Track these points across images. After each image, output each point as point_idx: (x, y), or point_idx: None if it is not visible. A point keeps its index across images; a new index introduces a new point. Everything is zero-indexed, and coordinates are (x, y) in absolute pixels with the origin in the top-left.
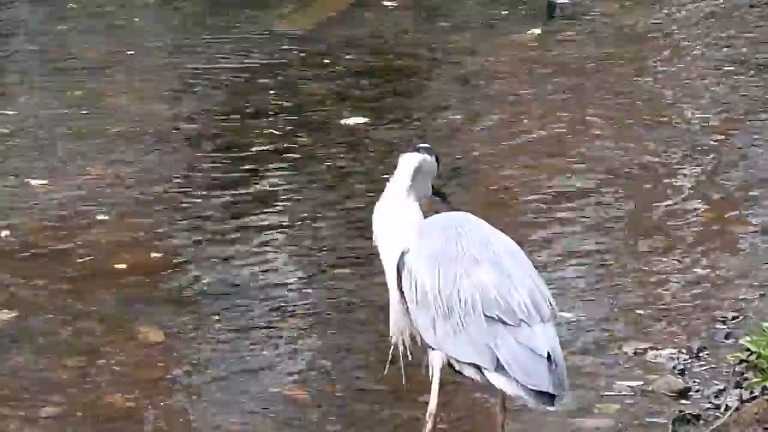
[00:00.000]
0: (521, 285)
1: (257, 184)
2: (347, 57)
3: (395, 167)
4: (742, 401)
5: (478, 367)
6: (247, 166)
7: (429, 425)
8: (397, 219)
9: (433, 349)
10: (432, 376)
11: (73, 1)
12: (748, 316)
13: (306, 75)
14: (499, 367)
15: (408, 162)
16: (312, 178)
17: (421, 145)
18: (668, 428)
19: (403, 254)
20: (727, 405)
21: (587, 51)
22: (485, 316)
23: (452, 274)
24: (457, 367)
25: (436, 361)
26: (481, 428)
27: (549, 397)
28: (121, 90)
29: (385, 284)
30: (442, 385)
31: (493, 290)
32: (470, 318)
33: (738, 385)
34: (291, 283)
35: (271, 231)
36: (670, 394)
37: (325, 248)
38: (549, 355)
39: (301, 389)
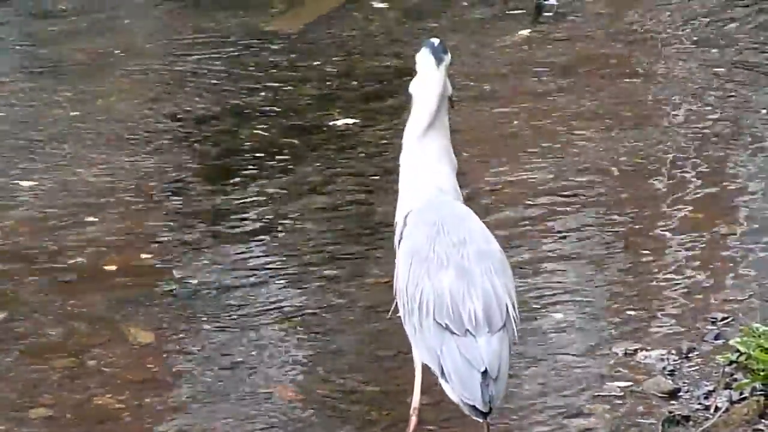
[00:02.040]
0: (479, 292)
1: (247, 185)
2: (336, 58)
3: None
4: (731, 402)
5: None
6: (236, 168)
7: (413, 420)
8: (410, 186)
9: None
10: (415, 369)
11: (62, 1)
12: (738, 317)
13: (295, 76)
14: (443, 375)
15: (436, 82)
16: (302, 180)
17: (438, 42)
18: (658, 429)
19: (399, 239)
20: (716, 406)
21: (576, 51)
22: (436, 322)
23: (418, 275)
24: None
25: (416, 355)
26: (469, 429)
27: (480, 412)
28: (110, 91)
29: (374, 286)
30: (426, 382)
31: (448, 297)
32: (425, 322)
33: (727, 386)
34: (280, 284)
35: (261, 232)
36: (660, 395)
37: (314, 249)
38: (486, 371)
39: (290, 390)
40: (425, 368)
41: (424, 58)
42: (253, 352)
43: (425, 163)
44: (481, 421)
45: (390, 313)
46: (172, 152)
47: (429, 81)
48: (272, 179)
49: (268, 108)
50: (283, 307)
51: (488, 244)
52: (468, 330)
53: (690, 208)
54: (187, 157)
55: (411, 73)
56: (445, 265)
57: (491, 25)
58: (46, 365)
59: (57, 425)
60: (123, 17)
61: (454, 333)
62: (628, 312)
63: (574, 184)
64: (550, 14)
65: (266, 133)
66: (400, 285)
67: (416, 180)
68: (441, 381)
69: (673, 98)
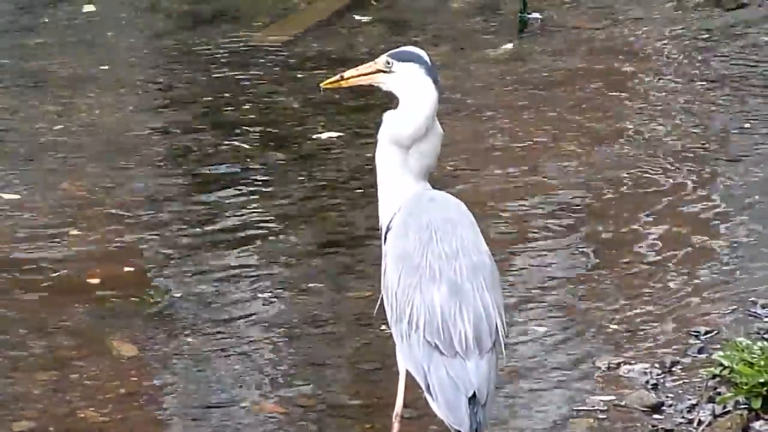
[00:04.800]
0: (470, 313)
1: (230, 198)
2: (320, 71)
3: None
4: (714, 416)
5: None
6: (220, 180)
7: (396, 427)
8: (391, 190)
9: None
10: (399, 374)
11: (47, 15)
12: (721, 330)
13: (279, 89)
14: (428, 392)
15: (429, 100)
16: (285, 193)
17: (430, 60)
18: None
19: (387, 229)
20: (699, 420)
21: (559, 66)
22: (425, 339)
23: (409, 285)
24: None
25: (401, 361)
26: None
27: None
28: (94, 105)
29: (357, 299)
30: (411, 395)
31: (439, 316)
32: (413, 335)
33: (711, 400)
34: (264, 297)
35: (244, 245)
36: (643, 409)
37: (298, 262)
38: (474, 395)
39: (274, 404)
40: (409, 374)
41: (416, 75)
42: (236, 366)
43: (411, 170)
44: None
45: (375, 311)
46: (155, 165)
47: (424, 100)
48: (256, 192)
49: (251, 121)
50: (266, 320)
51: (480, 254)
52: (458, 352)
53: (673, 221)
54: (171, 170)
55: None
56: (438, 280)
57: (475, 39)
58: (28, 378)
59: None
60: (108, 31)
61: (443, 354)
62: (612, 326)
63: (557, 198)
64: (534, 28)
65: (250, 146)
66: (389, 287)
67: (399, 183)
68: (426, 395)
69: (656, 112)
